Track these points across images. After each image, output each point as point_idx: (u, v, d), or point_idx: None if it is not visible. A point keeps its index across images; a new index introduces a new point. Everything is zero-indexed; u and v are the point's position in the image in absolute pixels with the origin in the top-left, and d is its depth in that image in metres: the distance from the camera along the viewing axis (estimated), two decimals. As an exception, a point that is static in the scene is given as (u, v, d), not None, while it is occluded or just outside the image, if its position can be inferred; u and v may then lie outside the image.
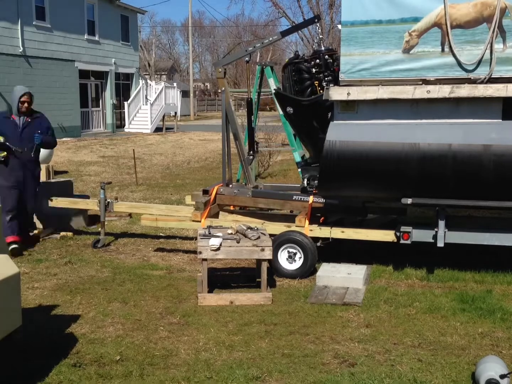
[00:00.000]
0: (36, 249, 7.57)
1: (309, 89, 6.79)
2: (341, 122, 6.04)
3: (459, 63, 5.64)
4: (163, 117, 31.45)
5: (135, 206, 8.11)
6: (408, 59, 5.78)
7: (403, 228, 6.11)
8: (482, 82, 5.59)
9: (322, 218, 6.93)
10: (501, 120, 5.64)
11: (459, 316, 5.20)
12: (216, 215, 7.32)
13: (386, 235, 6.41)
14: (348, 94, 5.85)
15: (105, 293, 5.84)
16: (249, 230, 5.77)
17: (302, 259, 6.34)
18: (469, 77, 5.64)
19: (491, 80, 5.58)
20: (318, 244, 6.55)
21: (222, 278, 6.36)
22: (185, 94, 48.22)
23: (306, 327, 4.96)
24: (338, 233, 6.59)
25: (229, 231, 5.85)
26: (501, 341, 4.68)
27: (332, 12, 26.01)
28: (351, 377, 4.06)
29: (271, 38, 7.43)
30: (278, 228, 6.69)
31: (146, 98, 31.43)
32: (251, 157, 7.46)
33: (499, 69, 5.56)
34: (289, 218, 7.12)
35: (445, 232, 5.94)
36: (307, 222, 6.60)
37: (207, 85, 74.93)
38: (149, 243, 7.96)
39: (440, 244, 5.95)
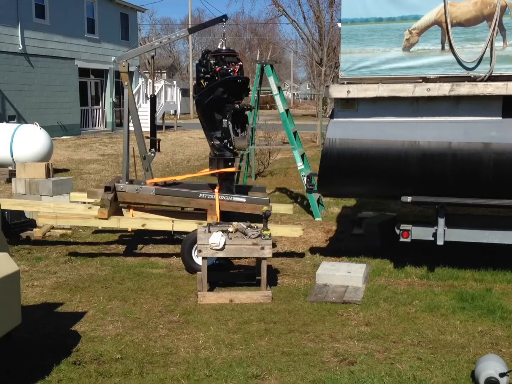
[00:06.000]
0: (36, 247, 7.57)
1: (200, 87, 6.99)
2: (341, 120, 6.03)
3: (459, 61, 5.64)
4: (163, 115, 31.44)
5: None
6: (408, 57, 5.78)
7: (403, 226, 6.11)
8: (482, 80, 5.59)
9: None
10: (501, 118, 5.64)
11: (458, 314, 5.19)
12: (120, 212, 7.13)
13: (293, 231, 6.77)
14: (348, 92, 5.84)
15: (104, 291, 5.84)
16: (249, 228, 5.77)
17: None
18: (469, 75, 5.64)
19: (491, 78, 5.58)
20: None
21: (222, 276, 6.35)
22: (185, 92, 48.20)
23: (305, 326, 4.96)
24: None
25: (230, 229, 5.84)
26: (501, 339, 4.68)
27: (332, 10, 25.91)
28: (350, 375, 4.06)
29: (178, 34, 7.30)
30: (190, 225, 6.65)
31: (146, 96, 31.38)
32: (152, 154, 7.41)
33: (499, 67, 5.56)
34: (197, 216, 7.11)
35: (444, 230, 5.94)
36: (218, 218, 6.70)
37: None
38: (149, 241, 7.95)
39: (440, 242, 5.95)
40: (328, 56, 24.63)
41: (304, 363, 4.25)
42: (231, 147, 6.99)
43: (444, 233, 5.94)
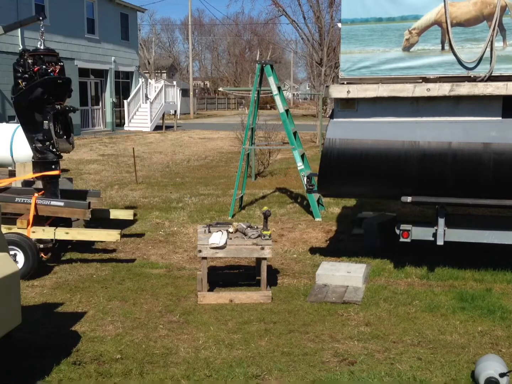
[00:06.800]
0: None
1: (18, 87, 6.84)
2: (341, 120, 6.03)
3: (459, 61, 5.64)
4: (163, 115, 31.44)
5: None
6: (408, 57, 5.77)
7: (403, 226, 6.11)
8: (482, 80, 5.59)
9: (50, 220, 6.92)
10: (501, 118, 5.63)
11: (458, 314, 5.19)
12: None
13: (109, 235, 6.65)
14: (348, 92, 5.84)
15: (104, 291, 5.84)
16: (249, 228, 5.77)
17: (23, 260, 6.16)
18: (469, 75, 5.64)
19: (491, 78, 5.58)
20: (42, 247, 6.60)
21: (222, 276, 6.36)
22: (185, 92, 48.18)
23: (305, 326, 4.96)
24: (62, 234, 6.64)
25: (230, 229, 5.84)
26: (501, 339, 4.68)
27: (332, 10, 25.94)
28: (350, 376, 4.06)
29: None
30: None
31: (146, 96, 31.41)
32: None
33: (499, 67, 5.55)
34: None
35: (444, 230, 5.94)
36: (29, 223, 6.53)
37: (206, 84, 74.90)
38: (149, 241, 7.95)
39: (440, 242, 5.95)
40: (328, 56, 24.64)
41: (304, 363, 4.25)
42: (54, 150, 6.88)
43: (444, 233, 5.94)
